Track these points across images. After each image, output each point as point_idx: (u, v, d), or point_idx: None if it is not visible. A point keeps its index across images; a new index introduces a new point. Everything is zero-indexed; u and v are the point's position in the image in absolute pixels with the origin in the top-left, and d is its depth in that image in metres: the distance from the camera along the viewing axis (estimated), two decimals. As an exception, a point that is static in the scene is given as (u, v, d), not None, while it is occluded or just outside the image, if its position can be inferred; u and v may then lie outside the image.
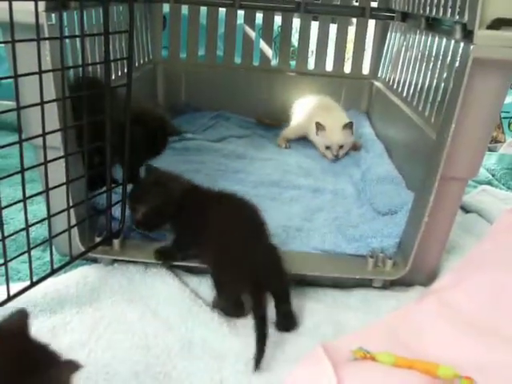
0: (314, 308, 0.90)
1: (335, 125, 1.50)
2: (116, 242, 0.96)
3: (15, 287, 0.80)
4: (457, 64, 0.95)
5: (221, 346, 0.79)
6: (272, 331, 0.82)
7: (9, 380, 0.52)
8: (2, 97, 1.69)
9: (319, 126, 1.51)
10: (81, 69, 0.82)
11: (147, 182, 0.98)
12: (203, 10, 1.78)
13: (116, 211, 0.97)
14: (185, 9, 1.79)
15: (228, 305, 0.87)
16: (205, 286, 0.93)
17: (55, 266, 0.86)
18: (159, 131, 1.14)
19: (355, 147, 1.56)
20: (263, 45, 1.89)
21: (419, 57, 1.30)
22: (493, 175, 1.54)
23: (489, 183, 1.48)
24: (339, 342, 0.79)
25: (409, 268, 0.93)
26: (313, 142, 1.59)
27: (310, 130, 1.59)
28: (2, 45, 0.73)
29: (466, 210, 1.30)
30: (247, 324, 0.84)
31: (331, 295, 0.95)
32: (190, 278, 0.95)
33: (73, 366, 0.56)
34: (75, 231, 0.90)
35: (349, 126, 1.49)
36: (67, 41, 1.04)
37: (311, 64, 1.84)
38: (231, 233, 0.87)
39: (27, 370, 0.53)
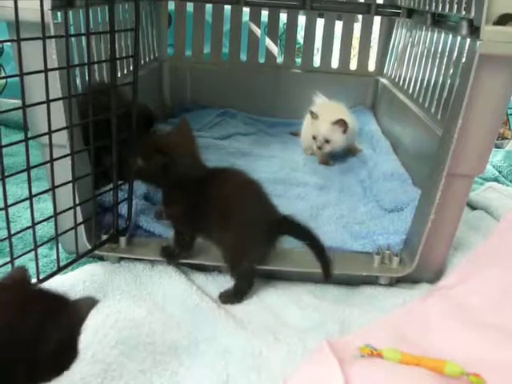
0: (319, 305, 0.90)
1: (327, 118, 1.45)
2: (122, 239, 0.97)
3: (22, 285, 0.80)
4: (463, 60, 0.95)
5: (227, 342, 0.79)
6: (275, 331, 0.83)
7: (35, 320, 0.53)
8: (9, 95, 1.71)
9: (312, 115, 1.46)
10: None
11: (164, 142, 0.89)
12: (208, 7, 1.78)
13: (122, 209, 0.97)
14: (190, 6, 1.79)
15: (248, 273, 0.90)
16: (211, 283, 0.93)
17: (62, 264, 0.86)
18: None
19: (354, 151, 1.52)
20: (269, 42, 1.89)
21: (425, 53, 1.29)
22: (499, 172, 1.53)
23: (495, 180, 1.48)
24: (345, 339, 0.79)
25: (415, 265, 0.93)
26: (303, 136, 1.56)
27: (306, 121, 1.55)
28: (9, 43, 0.74)
29: (472, 206, 1.29)
30: (253, 320, 0.84)
31: (337, 292, 0.95)
32: (197, 275, 0.95)
33: (90, 302, 0.57)
34: (82, 229, 0.90)
35: (340, 123, 1.42)
36: (73, 39, 1.04)
37: (317, 61, 1.84)
38: (236, 199, 0.88)
39: (49, 310, 0.54)
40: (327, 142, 1.44)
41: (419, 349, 0.77)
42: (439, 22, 1.22)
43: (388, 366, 0.72)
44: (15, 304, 0.53)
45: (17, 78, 0.71)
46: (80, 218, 0.88)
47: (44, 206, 1.08)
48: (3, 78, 1.72)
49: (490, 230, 1.09)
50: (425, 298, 0.90)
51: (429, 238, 0.91)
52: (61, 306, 0.56)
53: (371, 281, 0.97)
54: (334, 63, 1.82)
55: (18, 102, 0.72)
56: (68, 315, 0.55)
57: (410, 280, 0.97)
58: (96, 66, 1.19)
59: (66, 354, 0.57)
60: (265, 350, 0.78)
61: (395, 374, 0.70)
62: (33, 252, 0.80)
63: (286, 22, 1.81)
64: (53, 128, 0.77)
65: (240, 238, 0.88)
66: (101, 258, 0.98)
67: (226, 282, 0.93)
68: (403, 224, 1.02)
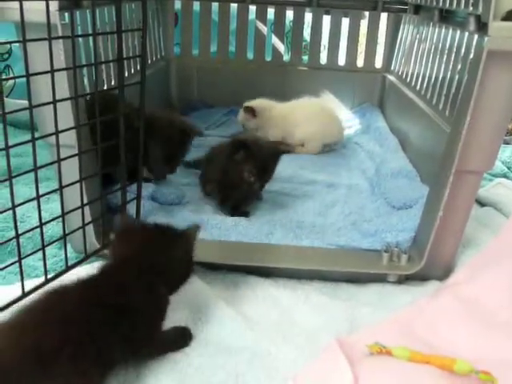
0: (328, 303, 0.90)
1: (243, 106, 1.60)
2: (131, 238, 0.97)
3: (31, 284, 0.81)
4: (471, 56, 0.94)
5: (235, 341, 0.79)
6: (284, 330, 0.83)
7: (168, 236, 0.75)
8: (18, 96, 1.72)
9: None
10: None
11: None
12: (215, 5, 1.78)
13: (131, 209, 0.98)
14: (196, 5, 1.79)
15: None
16: (220, 282, 0.93)
17: (71, 263, 0.87)
18: (180, 139, 1.16)
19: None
20: (275, 40, 1.89)
21: (432, 49, 1.29)
22: (508, 168, 1.52)
23: (504, 176, 1.47)
24: (354, 336, 0.78)
25: (424, 262, 0.93)
26: None
27: None
28: (17, 44, 0.74)
29: (481, 203, 1.29)
30: (262, 319, 0.84)
31: (346, 290, 0.95)
32: (205, 274, 0.95)
33: (196, 228, 0.77)
34: (91, 228, 0.90)
35: (248, 110, 1.58)
36: (81, 40, 1.05)
37: (323, 58, 1.84)
38: None
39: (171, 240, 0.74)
40: (243, 126, 1.62)
41: (428, 346, 0.76)
42: (446, 17, 1.21)
43: (397, 364, 0.71)
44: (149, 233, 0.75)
45: (25, 79, 0.71)
46: (89, 218, 0.88)
47: (54, 206, 1.09)
48: (10, 78, 1.72)
49: (500, 227, 1.08)
50: (434, 295, 0.90)
51: (437, 235, 0.90)
52: (177, 235, 0.75)
53: (380, 278, 0.97)
54: (341, 60, 1.82)
55: (26, 103, 0.72)
56: (185, 240, 0.76)
57: (419, 277, 0.97)
58: (103, 65, 1.19)
59: (188, 266, 0.78)
60: (274, 350, 0.78)
61: (404, 371, 0.70)
62: (41, 251, 0.81)
63: (292, 19, 1.81)
64: (62, 128, 0.77)
65: None
66: (110, 258, 0.98)
67: (235, 281, 0.94)
68: (412, 221, 1.02)
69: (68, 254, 0.87)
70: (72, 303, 0.64)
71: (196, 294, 0.88)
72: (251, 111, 1.59)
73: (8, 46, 1.83)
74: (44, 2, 0.71)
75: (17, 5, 0.67)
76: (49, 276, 0.83)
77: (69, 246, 0.92)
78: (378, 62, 1.83)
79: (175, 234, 0.76)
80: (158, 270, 0.72)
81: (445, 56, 1.17)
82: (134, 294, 0.68)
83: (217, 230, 1.03)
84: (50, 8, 0.72)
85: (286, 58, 1.89)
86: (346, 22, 1.78)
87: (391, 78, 1.74)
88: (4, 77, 1.83)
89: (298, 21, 1.79)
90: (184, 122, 1.21)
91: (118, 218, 0.85)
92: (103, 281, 0.70)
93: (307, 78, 1.82)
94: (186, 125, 1.20)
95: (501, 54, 0.77)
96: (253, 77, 1.81)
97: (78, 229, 0.86)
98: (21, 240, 0.78)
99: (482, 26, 0.79)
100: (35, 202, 0.78)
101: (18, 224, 0.76)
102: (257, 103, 1.60)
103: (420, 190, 1.12)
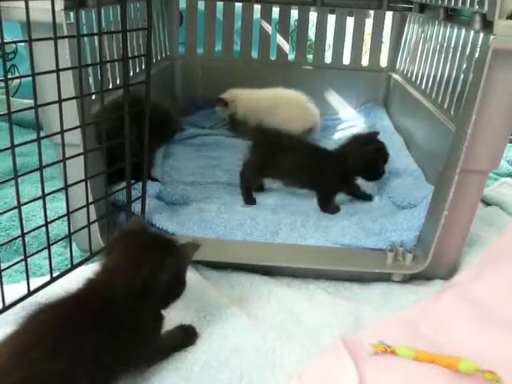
0: (333, 302, 0.90)
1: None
2: (136, 237, 0.97)
3: (36, 282, 0.81)
4: (476, 55, 0.94)
5: (241, 339, 0.79)
6: (289, 328, 0.83)
7: (156, 253, 0.69)
8: (23, 95, 1.73)
9: None
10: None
11: None
12: (219, 5, 1.78)
13: (136, 207, 0.98)
14: (201, 4, 1.79)
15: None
16: (225, 281, 0.93)
17: (75, 262, 0.87)
18: (162, 124, 1.12)
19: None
20: (280, 39, 1.89)
21: (438, 48, 1.29)
22: (514, 167, 1.52)
23: (510, 175, 1.46)
24: (359, 336, 0.78)
25: (429, 262, 0.93)
26: None
27: None
28: (23, 44, 0.74)
29: (486, 202, 1.28)
30: (267, 317, 0.84)
31: (351, 289, 0.95)
32: (210, 272, 0.95)
33: (194, 246, 0.73)
34: (96, 227, 0.91)
35: (218, 102, 1.66)
36: (86, 39, 1.05)
37: (328, 58, 1.84)
38: None
39: (165, 251, 0.69)
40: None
41: (433, 346, 0.76)
42: (452, 16, 1.21)
43: (402, 363, 0.71)
44: (139, 245, 0.70)
45: (31, 78, 0.71)
46: (94, 216, 0.88)
47: (59, 205, 1.09)
48: (16, 77, 1.73)
49: (505, 226, 1.08)
50: (439, 294, 0.90)
51: (442, 235, 0.90)
52: (172, 247, 0.71)
53: (384, 278, 0.97)
54: (346, 59, 1.82)
55: (31, 102, 0.73)
56: (178, 255, 0.70)
57: (424, 277, 0.96)
58: (109, 65, 1.19)
59: (177, 285, 0.72)
60: (278, 348, 0.78)
61: (409, 370, 0.70)
62: (47, 250, 0.81)
63: (297, 18, 1.81)
64: (67, 127, 0.77)
65: None
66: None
67: (240, 280, 0.94)
68: (416, 220, 1.01)
69: (73, 253, 0.87)
70: (59, 326, 0.60)
71: (201, 292, 0.89)
72: (222, 102, 1.64)
73: (13, 45, 1.84)
74: (49, 2, 0.71)
75: (22, 4, 0.68)
76: (54, 274, 0.83)
77: (74, 245, 0.92)
78: (383, 61, 1.82)
79: (171, 248, 0.71)
80: (150, 287, 0.67)
81: (450, 55, 1.17)
82: (125, 313, 0.65)
83: (222, 228, 1.04)
84: (56, 7, 0.72)
85: (291, 57, 1.88)
86: (350, 21, 1.78)
87: (396, 76, 1.73)
88: (10, 76, 1.84)
89: (303, 20, 1.79)
90: (171, 111, 1.15)
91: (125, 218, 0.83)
92: (92, 298, 0.66)
93: (312, 77, 1.81)
94: (171, 113, 1.14)
95: (506, 52, 0.76)
96: (257, 76, 1.80)
97: (83, 227, 0.87)
98: (26, 239, 0.78)
99: (487, 25, 0.79)
100: (41, 201, 0.78)
101: (24, 223, 0.77)
102: (226, 94, 1.65)
103: (425, 190, 1.12)
